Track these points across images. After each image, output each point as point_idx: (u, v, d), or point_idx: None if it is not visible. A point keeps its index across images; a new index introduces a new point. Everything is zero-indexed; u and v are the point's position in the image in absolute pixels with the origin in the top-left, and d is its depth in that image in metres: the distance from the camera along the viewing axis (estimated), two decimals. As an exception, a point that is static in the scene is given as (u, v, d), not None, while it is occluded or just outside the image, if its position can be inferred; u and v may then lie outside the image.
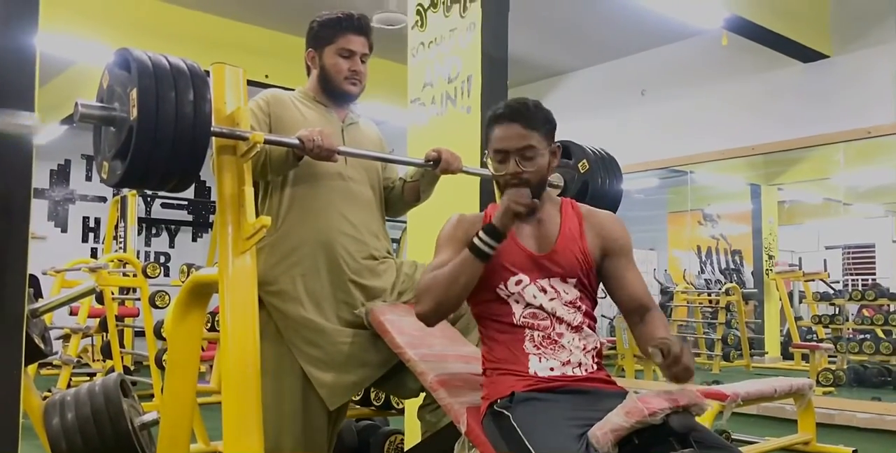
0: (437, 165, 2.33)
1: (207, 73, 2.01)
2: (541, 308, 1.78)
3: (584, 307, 1.83)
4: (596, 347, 1.81)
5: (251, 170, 2.07)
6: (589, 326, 1.82)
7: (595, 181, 2.49)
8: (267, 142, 1.99)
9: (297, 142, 2.05)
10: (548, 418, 1.56)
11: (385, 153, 2.45)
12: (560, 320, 1.78)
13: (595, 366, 1.78)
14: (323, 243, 2.20)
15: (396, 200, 2.48)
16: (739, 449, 1.57)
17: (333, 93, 2.36)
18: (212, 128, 1.83)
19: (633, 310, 1.84)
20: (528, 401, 1.64)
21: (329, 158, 2.09)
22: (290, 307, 2.14)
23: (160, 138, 1.68)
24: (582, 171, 2.51)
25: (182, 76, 1.75)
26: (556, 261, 1.81)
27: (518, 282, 1.80)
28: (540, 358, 1.74)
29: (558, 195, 2.41)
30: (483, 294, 1.82)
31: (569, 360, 1.74)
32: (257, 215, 2.18)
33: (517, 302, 1.80)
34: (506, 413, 1.64)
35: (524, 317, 1.78)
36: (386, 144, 2.54)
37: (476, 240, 1.74)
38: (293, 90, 2.41)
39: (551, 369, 1.73)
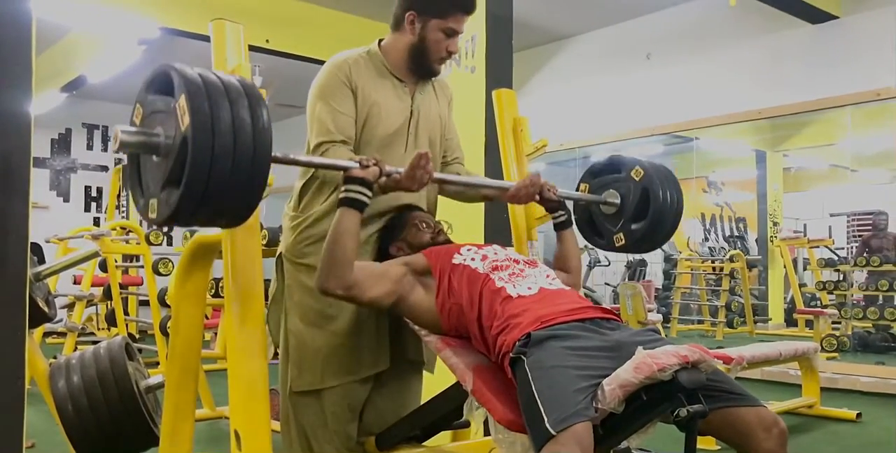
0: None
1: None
2: (496, 257, 1.96)
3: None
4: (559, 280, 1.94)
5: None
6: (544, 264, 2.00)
7: (654, 185, 2.29)
8: (348, 179, 1.82)
9: (395, 174, 1.87)
10: (561, 369, 1.54)
11: (450, 120, 2.30)
12: (517, 261, 1.95)
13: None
14: None
15: (445, 191, 2.33)
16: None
17: (420, 68, 2.16)
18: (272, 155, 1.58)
19: None
20: (543, 342, 1.62)
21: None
22: (307, 278, 2.08)
23: (218, 146, 1.44)
24: (637, 179, 2.33)
25: (233, 88, 1.52)
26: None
27: (468, 249, 1.99)
28: (514, 285, 1.84)
29: (615, 213, 2.37)
30: (452, 279, 1.91)
31: (536, 282, 1.86)
32: (301, 195, 2.15)
33: (473, 260, 1.95)
34: (522, 357, 1.62)
35: (486, 268, 1.91)
36: (450, 103, 2.36)
37: (350, 194, 1.81)
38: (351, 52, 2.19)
39: (528, 288, 1.82)
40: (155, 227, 6.07)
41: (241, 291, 1.83)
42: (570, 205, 2.35)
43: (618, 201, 2.36)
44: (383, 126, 2.11)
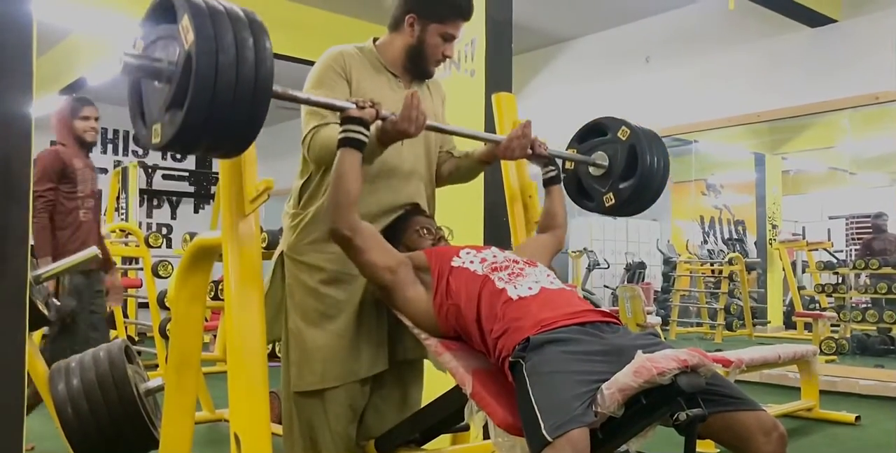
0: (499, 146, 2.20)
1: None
2: (494, 259, 1.95)
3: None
4: (559, 279, 1.93)
5: (313, 151, 2.01)
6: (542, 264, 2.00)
7: (641, 144, 2.34)
8: (346, 119, 1.83)
9: (391, 116, 1.89)
10: (559, 374, 1.54)
11: (444, 119, 2.31)
12: (516, 261, 1.94)
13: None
14: None
15: (440, 174, 2.36)
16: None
17: (416, 69, 2.19)
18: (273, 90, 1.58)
19: None
20: (542, 346, 1.62)
21: (416, 135, 1.95)
22: (308, 278, 2.10)
23: (222, 62, 1.43)
24: (624, 138, 2.37)
25: (235, 14, 1.52)
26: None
27: (467, 252, 1.99)
28: (515, 285, 1.83)
29: (603, 174, 2.39)
30: (449, 281, 1.91)
31: (537, 281, 1.85)
32: (301, 193, 2.15)
33: (471, 263, 1.94)
34: (521, 362, 1.62)
35: (486, 269, 1.90)
36: (444, 101, 2.38)
37: (348, 134, 1.83)
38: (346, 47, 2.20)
39: (529, 288, 1.81)
40: (153, 230, 6.06)
41: (240, 294, 1.84)
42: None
43: (606, 163, 2.42)
44: None
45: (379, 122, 1.89)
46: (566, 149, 2.50)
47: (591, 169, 2.44)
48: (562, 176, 2.40)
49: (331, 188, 1.88)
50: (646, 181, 2.36)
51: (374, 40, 2.23)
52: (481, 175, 2.50)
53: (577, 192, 2.52)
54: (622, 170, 2.37)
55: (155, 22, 1.61)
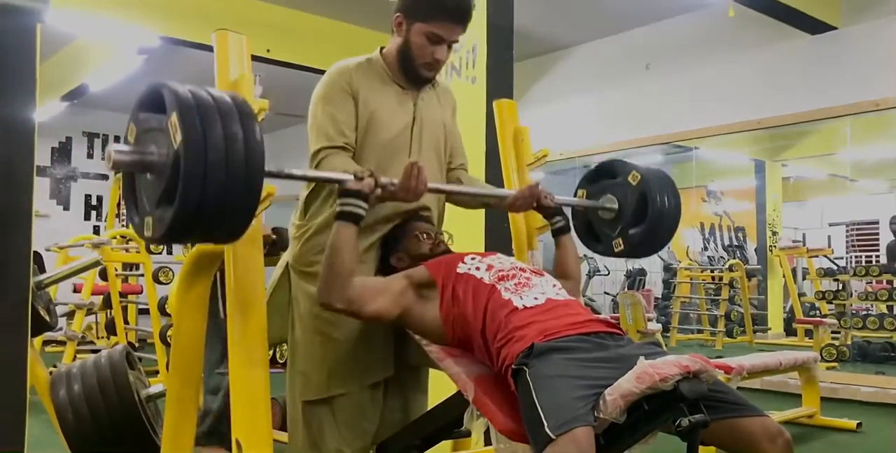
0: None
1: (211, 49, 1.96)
2: (501, 266, 1.94)
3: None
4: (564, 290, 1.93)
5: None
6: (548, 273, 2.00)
7: (651, 190, 2.29)
8: (343, 192, 1.83)
9: (389, 185, 1.87)
10: (562, 378, 1.54)
11: (454, 127, 2.30)
12: (522, 270, 1.93)
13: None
14: None
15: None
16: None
17: (407, 72, 2.15)
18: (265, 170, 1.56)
19: None
20: (546, 354, 1.62)
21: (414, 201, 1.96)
22: (313, 288, 2.09)
23: (211, 161, 1.43)
24: (634, 183, 2.32)
25: (224, 105, 1.52)
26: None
27: (472, 258, 1.98)
28: (520, 296, 1.82)
29: (613, 219, 2.37)
30: (456, 288, 1.90)
31: (544, 292, 1.84)
32: (307, 205, 2.15)
33: (478, 269, 1.93)
34: (524, 368, 1.62)
35: (492, 278, 1.89)
36: (454, 110, 2.36)
37: (346, 207, 1.83)
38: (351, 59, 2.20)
39: (535, 299, 1.81)
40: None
41: (242, 301, 1.84)
42: (568, 212, 2.35)
43: (615, 206, 2.37)
44: (385, 132, 2.10)
45: (378, 191, 1.86)
46: (576, 190, 2.47)
47: (600, 213, 2.41)
48: (571, 224, 2.34)
49: (325, 261, 1.86)
50: (656, 227, 2.31)
51: (382, 49, 2.22)
52: (482, 179, 2.50)
53: (586, 235, 2.49)
54: (632, 215, 2.32)
55: (145, 110, 1.60)
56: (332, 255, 1.83)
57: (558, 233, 2.27)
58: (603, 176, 2.44)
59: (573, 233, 2.34)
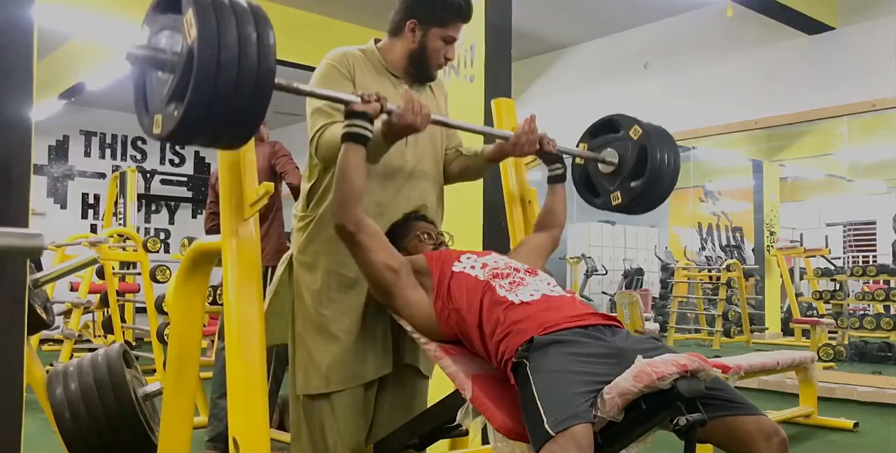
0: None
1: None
2: (496, 265, 1.94)
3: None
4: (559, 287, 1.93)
5: (321, 149, 2.00)
6: (542, 272, 1.99)
7: (652, 144, 2.31)
8: (350, 114, 1.83)
9: (396, 110, 1.87)
10: (562, 373, 1.54)
11: (449, 116, 2.30)
12: (517, 269, 1.94)
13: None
14: None
15: (449, 173, 2.35)
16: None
17: (419, 74, 2.19)
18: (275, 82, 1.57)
19: None
20: (546, 347, 1.62)
21: (422, 128, 1.94)
22: (315, 280, 2.10)
23: (223, 60, 1.44)
24: (635, 138, 2.34)
25: (240, 7, 1.52)
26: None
27: (468, 257, 1.99)
28: (516, 293, 1.83)
29: (613, 172, 2.38)
30: (452, 286, 1.91)
31: (538, 290, 1.85)
32: (309, 196, 2.15)
33: (472, 268, 1.94)
34: (525, 362, 1.62)
35: (487, 275, 1.90)
36: (446, 98, 2.38)
37: (353, 128, 1.83)
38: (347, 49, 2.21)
39: (531, 295, 1.81)
40: (151, 235, 6.05)
41: (240, 298, 1.83)
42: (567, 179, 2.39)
43: (616, 160, 2.39)
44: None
45: (384, 116, 1.88)
46: (577, 144, 2.49)
47: (600, 166, 2.42)
48: (566, 174, 2.37)
49: (335, 184, 1.89)
50: (655, 181, 2.34)
51: (376, 41, 2.24)
52: (481, 179, 2.50)
53: (585, 188, 2.50)
54: (632, 169, 2.35)
55: (161, 10, 1.61)
56: (341, 177, 1.87)
57: (554, 180, 2.34)
58: (606, 129, 2.46)
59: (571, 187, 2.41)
